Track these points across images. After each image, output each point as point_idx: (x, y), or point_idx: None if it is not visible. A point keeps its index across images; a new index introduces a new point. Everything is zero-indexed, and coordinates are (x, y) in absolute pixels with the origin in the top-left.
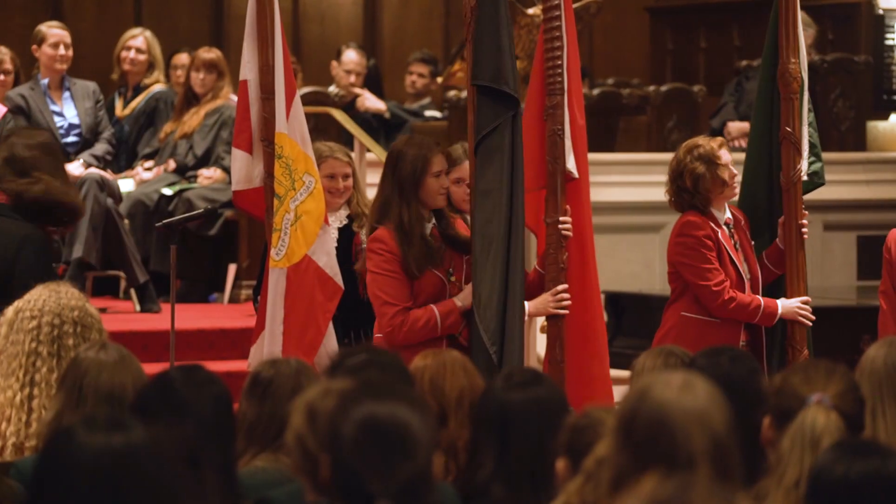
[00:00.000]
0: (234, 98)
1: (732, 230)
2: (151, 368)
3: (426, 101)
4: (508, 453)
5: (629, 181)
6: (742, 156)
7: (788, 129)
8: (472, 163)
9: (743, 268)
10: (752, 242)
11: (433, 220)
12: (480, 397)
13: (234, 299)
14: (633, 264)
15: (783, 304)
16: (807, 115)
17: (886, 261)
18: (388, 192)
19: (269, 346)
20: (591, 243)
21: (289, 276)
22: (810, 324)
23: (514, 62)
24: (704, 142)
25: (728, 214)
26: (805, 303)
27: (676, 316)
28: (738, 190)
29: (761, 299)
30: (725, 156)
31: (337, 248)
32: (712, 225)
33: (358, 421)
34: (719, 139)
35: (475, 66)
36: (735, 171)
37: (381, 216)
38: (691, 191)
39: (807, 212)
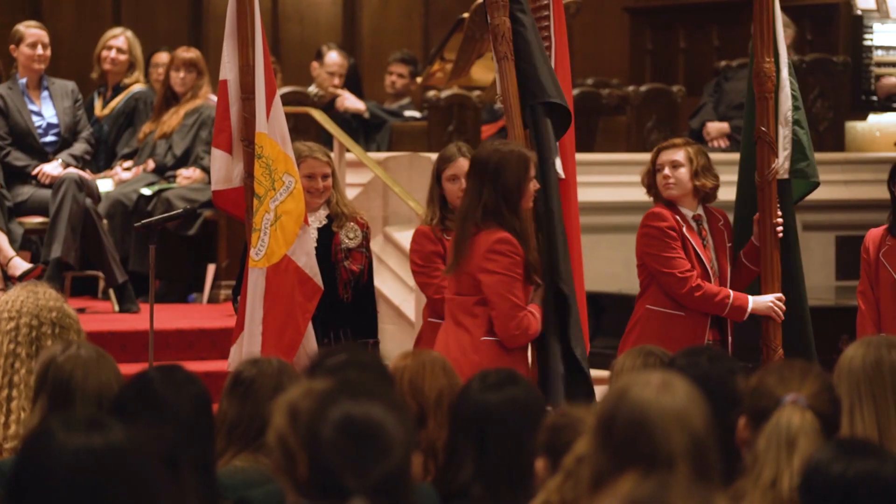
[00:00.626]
0: (214, 98)
1: (702, 226)
2: (130, 369)
3: (405, 101)
4: (487, 454)
5: (609, 181)
6: (721, 156)
7: (763, 128)
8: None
9: (711, 264)
10: (730, 244)
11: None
12: (457, 399)
13: (213, 299)
14: (613, 264)
15: (755, 300)
16: (790, 114)
17: (864, 261)
18: (489, 198)
19: (248, 346)
20: (579, 244)
21: (268, 277)
22: (779, 321)
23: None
24: (662, 144)
25: (699, 211)
26: (779, 300)
27: (642, 309)
28: (674, 192)
29: (731, 292)
30: (664, 156)
31: (317, 249)
32: (677, 218)
33: (334, 420)
34: (679, 140)
35: (528, 87)
36: (669, 174)
37: (486, 221)
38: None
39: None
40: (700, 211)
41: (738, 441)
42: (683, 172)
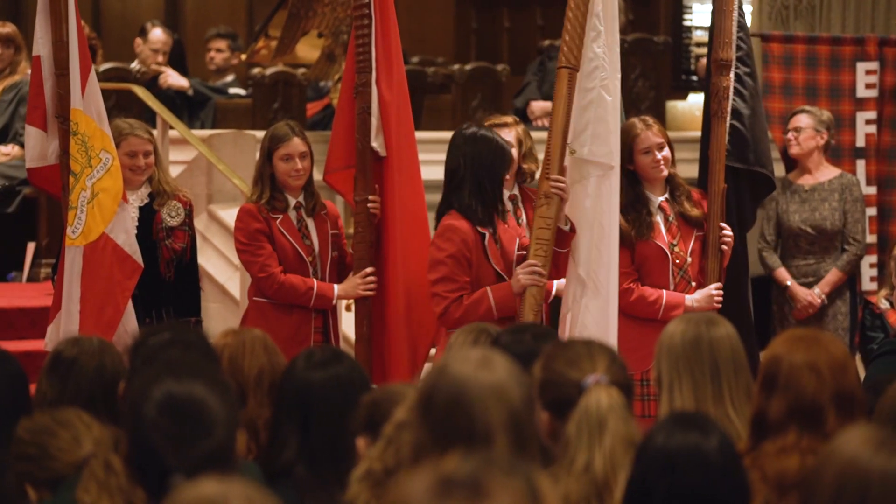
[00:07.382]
0: None
1: (518, 206)
2: None
3: (230, 78)
4: (311, 433)
5: (434, 160)
6: (545, 135)
7: None
8: None
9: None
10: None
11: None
12: (282, 378)
13: (33, 278)
14: None
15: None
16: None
17: None
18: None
19: (65, 325)
20: (408, 222)
21: (86, 255)
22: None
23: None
24: (494, 119)
25: (515, 191)
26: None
27: None
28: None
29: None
30: (502, 135)
31: (138, 227)
32: None
33: (155, 399)
34: (510, 118)
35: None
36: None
37: None
38: None
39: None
40: (516, 191)
41: (543, 435)
42: (514, 154)
